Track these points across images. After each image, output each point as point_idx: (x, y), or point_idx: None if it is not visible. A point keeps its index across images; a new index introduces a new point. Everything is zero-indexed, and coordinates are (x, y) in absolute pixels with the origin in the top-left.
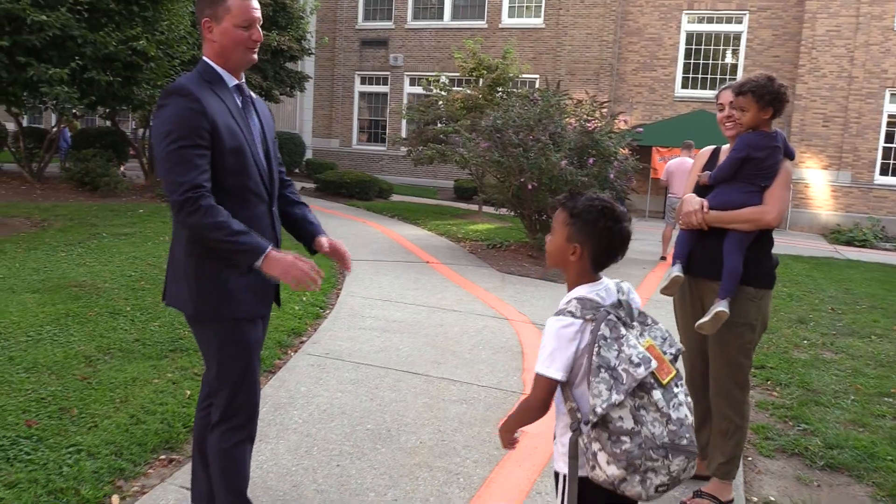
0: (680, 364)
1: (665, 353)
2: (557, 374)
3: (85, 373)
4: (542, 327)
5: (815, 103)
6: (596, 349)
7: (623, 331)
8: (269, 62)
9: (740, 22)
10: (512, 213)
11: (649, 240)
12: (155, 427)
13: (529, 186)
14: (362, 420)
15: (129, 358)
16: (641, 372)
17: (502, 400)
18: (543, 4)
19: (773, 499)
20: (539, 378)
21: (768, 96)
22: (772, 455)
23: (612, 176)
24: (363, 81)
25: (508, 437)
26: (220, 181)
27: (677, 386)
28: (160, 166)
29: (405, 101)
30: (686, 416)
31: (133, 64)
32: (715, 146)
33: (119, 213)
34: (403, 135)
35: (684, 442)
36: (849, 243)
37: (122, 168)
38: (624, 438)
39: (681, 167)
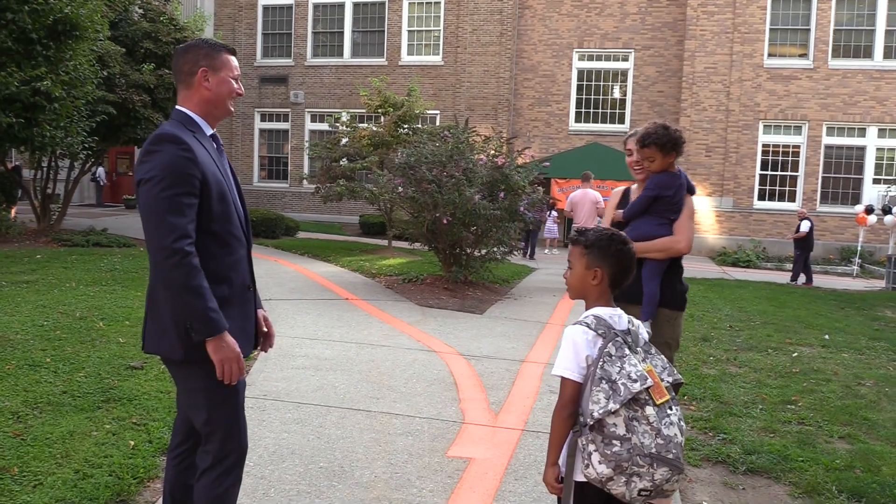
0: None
1: (663, 379)
2: (574, 375)
3: (17, 429)
4: (470, 358)
5: (698, 135)
6: (601, 363)
7: (627, 351)
8: (171, 100)
9: (626, 59)
10: (426, 248)
11: (553, 268)
12: (104, 480)
13: (444, 221)
14: (313, 459)
15: (60, 411)
16: (637, 387)
17: (445, 430)
18: (441, 43)
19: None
20: (563, 381)
21: (669, 144)
22: (699, 464)
23: (522, 209)
24: (263, 118)
25: (554, 462)
26: (208, 227)
27: (671, 409)
28: (147, 212)
29: (307, 137)
30: (676, 434)
31: (35, 105)
32: (625, 187)
33: (15, 259)
34: (306, 171)
35: (670, 456)
36: (734, 264)
37: (13, 212)
38: (615, 442)
39: (584, 198)
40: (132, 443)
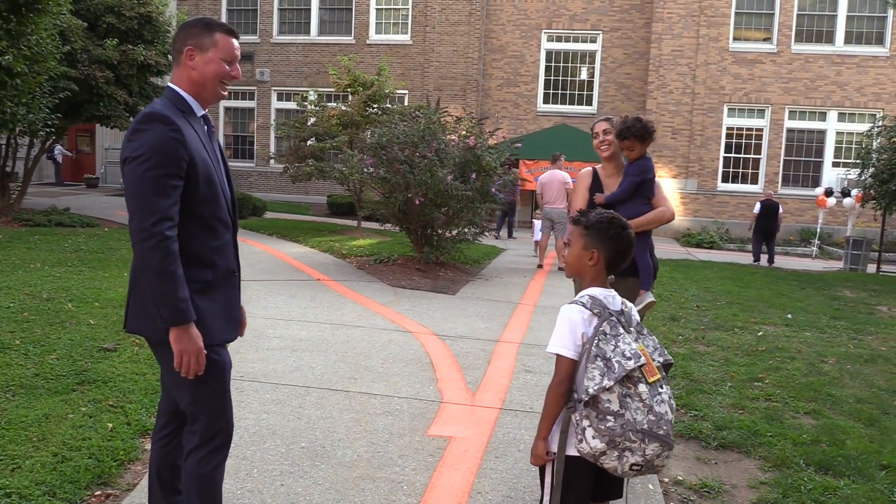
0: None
1: (654, 359)
2: (569, 353)
3: None
4: (445, 338)
5: (665, 117)
6: (596, 341)
7: (621, 330)
8: (135, 77)
9: (594, 41)
10: (397, 229)
11: (522, 249)
12: (84, 463)
13: (417, 202)
14: (295, 439)
15: (33, 394)
16: (631, 364)
17: (424, 409)
18: (410, 21)
19: (681, 478)
20: (558, 359)
21: (646, 134)
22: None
23: (493, 190)
24: (228, 96)
25: (545, 436)
26: (195, 210)
27: (662, 388)
28: (131, 191)
29: (273, 116)
30: (667, 412)
31: None
32: (591, 168)
33: None
34: (272, 150)
35: (661, 432)
36: (699, 245)
37: None
38: (609, 418)
39: (552, 178)
40: (110, 425)
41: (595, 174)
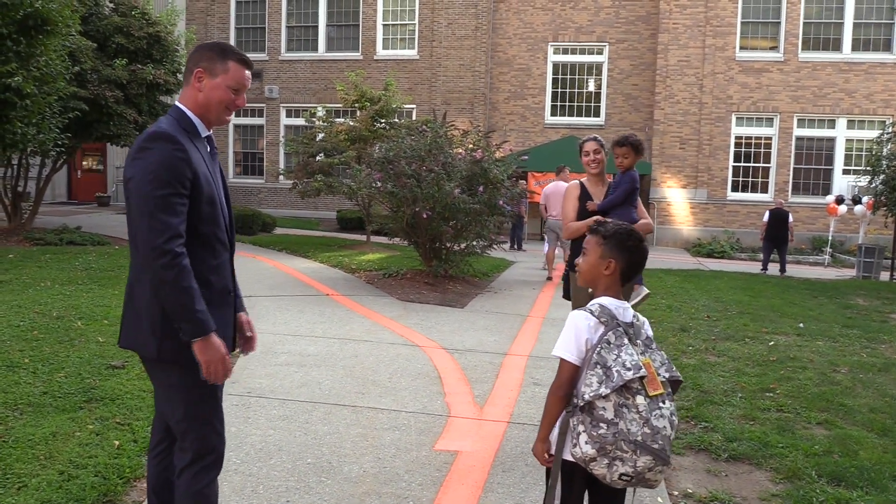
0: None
1: (659, 374)
2: (572, 357)
3: None
4: (453, 352)
5: (672, 127)
6: (598, 349)
7: (626, 341)
8: (144, 96)
9: (601, 53)
10: (405, 243)
11: (531, 262)
12: (90, 481)
13: (424, 215)
14: (301, 455)
15: (41, 412)
16: (629, 375)
17: (431, 424)
18: (417, 37)
19: (690, 491)
20: (561, 363)
21: (640, 147)
22: (682, 452)
23: (501, 202)
24: (237, 113)
25: (544, 438)
26: (196, 229)
27: (664, 403)
28: (139, 210)
29: (282, 133)
30: (665, 427)
31: (6, 101)
32: (578, 181)
33: None
34: (282, 166)
35: (655, 446)
36: (709, 255)
37: None
38: (602, 425)
39: (556, 190)
40: (117, 443)
41: (583, 186)
